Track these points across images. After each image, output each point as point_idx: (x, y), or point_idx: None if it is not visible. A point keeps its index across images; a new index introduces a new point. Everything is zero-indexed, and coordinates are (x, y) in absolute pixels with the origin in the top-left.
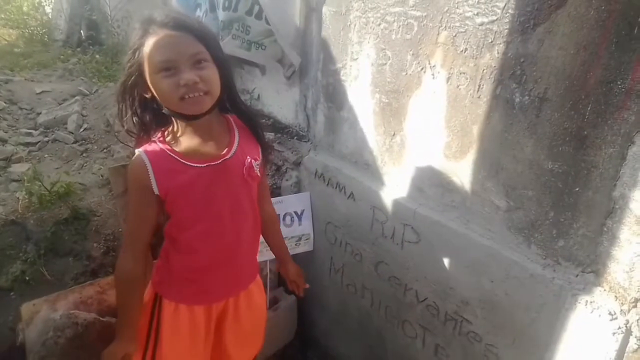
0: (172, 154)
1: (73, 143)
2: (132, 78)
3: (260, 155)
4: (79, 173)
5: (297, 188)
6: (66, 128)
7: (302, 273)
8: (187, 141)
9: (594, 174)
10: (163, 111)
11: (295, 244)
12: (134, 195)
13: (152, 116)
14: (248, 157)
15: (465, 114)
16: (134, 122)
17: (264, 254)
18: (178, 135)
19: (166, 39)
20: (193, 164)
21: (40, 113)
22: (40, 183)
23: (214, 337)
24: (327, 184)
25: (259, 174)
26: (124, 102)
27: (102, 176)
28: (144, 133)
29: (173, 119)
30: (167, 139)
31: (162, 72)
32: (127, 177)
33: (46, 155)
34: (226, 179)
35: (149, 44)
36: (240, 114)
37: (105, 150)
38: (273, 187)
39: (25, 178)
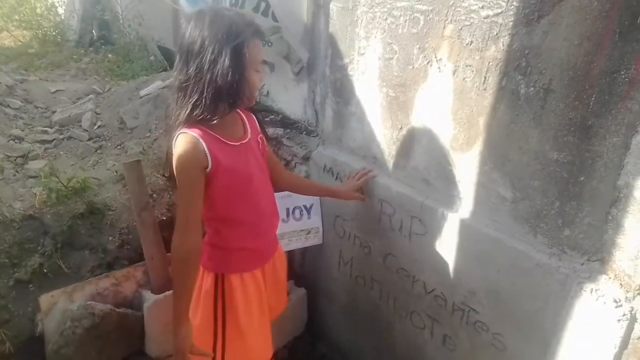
0: (215, 135)
1: (87, 140)
2: (228, 68)
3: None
4: (94, 169)
5: None
6: (80, 126)
7: (356, 189)
8: (220, 128)
9: (599, 164)
10: (231, 101)
11: (305, 238)
12: (190, 172)
13: (223, 103)
14: (258, 135)
15: (472, 106)
16: (199, 108)
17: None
18: (213, 123)
19: (261, 43)
20: (233, 143)
21: (55, 111)
22: (56, 179)
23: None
24: (336, 178)
25: (265, 146)
26: (201, 88)
27: (116, 172)
28: (210, 116)
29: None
30: (203, 126)
31: (258, 70)
32: (180, 158)
33: (62, 152)
34: (253, 155)
35: (254, 45)
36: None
37: (119, 147)
38: None
39: (42, 174)
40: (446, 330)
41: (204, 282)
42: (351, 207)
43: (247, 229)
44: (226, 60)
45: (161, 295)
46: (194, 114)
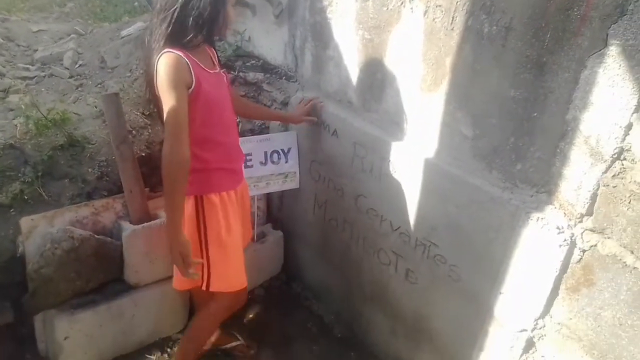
0: (195, 60)
1: (69, 78)
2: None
3: None
4: (74, 104)
5: (284, 127)
6: (62, 64)
7: (305, 114)
8: (196, 55)
9: (550, 99)
10: (209, 29)
11: (283, 181)
12: (177, 84)
13: (202, 31)
14: (222, 69)
15: (440, 47)
16: (180, 32)
17: (252, 190)
18: (191, 49)
19: None
20: (210, 70)
21: (37, 50)
22: (37, 110)
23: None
24: (311, 125)
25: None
26: (185, 12)
27: (96, 107)
28: (189, 40)
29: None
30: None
31: (234, 5)
32: (167, 72)
33: (43, 89)
34: (223, 84)
35: None
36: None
37: (99, 85)
38: (261, 126)
39: (23, 106)
40: (409, 265)
41: (186, 207)
42: (326, 151)
43: (224, 150)
44: None
45: (139, 226)
46: (176, 37)
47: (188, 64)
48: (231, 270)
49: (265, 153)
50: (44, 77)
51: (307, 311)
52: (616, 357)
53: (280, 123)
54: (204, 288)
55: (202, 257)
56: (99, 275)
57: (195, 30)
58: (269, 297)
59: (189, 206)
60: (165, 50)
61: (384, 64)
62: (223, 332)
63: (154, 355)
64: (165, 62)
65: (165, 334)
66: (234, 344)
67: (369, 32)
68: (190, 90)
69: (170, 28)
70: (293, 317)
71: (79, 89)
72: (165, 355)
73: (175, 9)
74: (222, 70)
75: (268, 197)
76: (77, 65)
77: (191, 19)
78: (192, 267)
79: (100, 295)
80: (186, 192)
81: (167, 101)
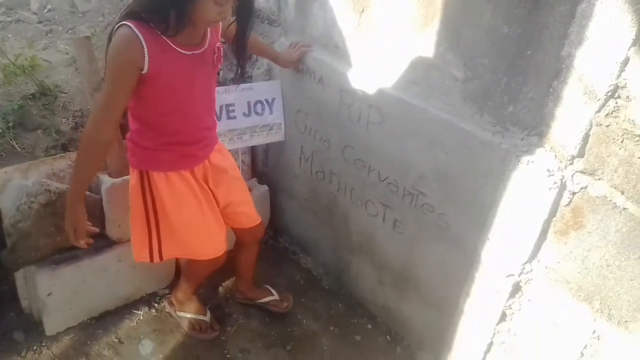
0: (165, 39)
1: (37, 23)
2: None
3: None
4: (44, 51)
5: (268, 76)
6: (29, 9)
7: (293, 59)
8: (178, 33)
9: (545, 35)
10: (176, 20)
11: (267, 133)
12: (120, 67)
13: (172, 16)
14: (217, 43)
15: None
16: (149, 8)
17: (236, 142)
18: (171, 27)
19: None
20: (184, 52)
21: None
22: (4, 56)
23: (212, 197)
24: (297, 71)
25: (221, 57)
26: None
27: (67, 54)
28: (156, 22)
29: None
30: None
31: (219, 3)
32: (114, 51)
33: (10, 35)
34: (204, 65)
35: None
36: None
37: (70, 31)
38: (243, 74)
39: None
40: (396, 215)
41: (131, 177)
42: (312, 99)
43: (174, 138)
44: None
45: (119, 179)
46: (142, 12)
47: (143, 44)
48: (191, 240)
49: (249, 103)
50: (10, 22)
51: (295, 265)
52: (602, 298)
53: (264, 70)
54: (156, 259)
55: (148, 229)
56: None
57: (163, 14)
58: None
59: (133, 177)
60: (126, 22)
61: (371, 3)
62: (257, 287)
63: (141, 310)
64: (115, 40)
65: (151, 290)
66: (268, 298)
67: None
68: (144, 72)
69: (138, 2)
70: (281, 271)
71: (49, 35)
72: (153, 310)
73: None
74: (217, 45)
75: (253, 150)
76: (45, 10)
77: (163, 2)
78: (83, 240)
79: (82, 251)
80: (131, 163)
81: (106, 80)
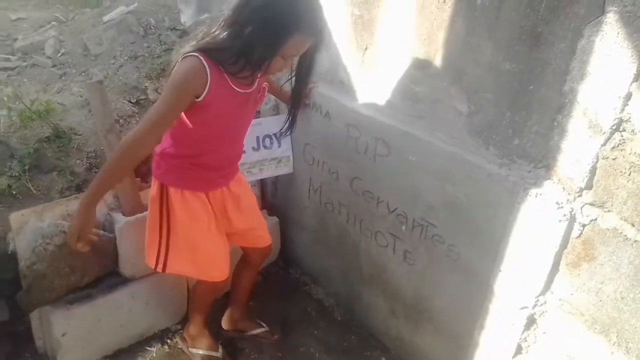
0: (225, 75)
1: (51, 67)
2: (267, 39)
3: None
4: (59, 95)
5: (276, 111)
6: (44, 53)
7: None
8: (240, 75)
9: (547, 71)
10: (249, 65)
11: (276, 166)
12: (181, 92)
13: (242, 61)
14: (263, 84)
15: (432, 21)
16: (223, 49)
17: (246, 176)
18: (236, 70)
19: (308, 44)
20: (238, 90)
21: (16, 39)
22: (20, 101)
23: (225, 222)
24: (304, 106)
25: (265, 96)
26: (237, 33)
27: (81, 97)
28: (226, 61)
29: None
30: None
31: (284, 57)
32: (179, 76)
33: (25, 80)
34: (249, 103)
35: (301, 41)
36: None
37: (83, 74)
38: None
39: (5, 98)
40: (407, 246)
41: (153, 187)
42: (319, 133)
43: (200, 159)
44: (272, 33)
45: (132, 217)
46: (215, 49)
47: (208, 77)
48: (195, 258)
49: (257, 138)
50: (26, 67)
51: (306, 296)
52: (619, 331)
53: (272, 106)
54: (160, 269)
55: (160, 238)
56: (94, 269)
57: (235, 57)
58: (267, 284)
59: (154, 188)
60: (196, 54)
61: (374, 42)
62: (247, 319)
63: (154, 347)
64: (184, 67)
65: (164, 326)
66: (258, 330)
67: (358, 8)
68: (198, 100)
69: (213, 40)
70: (293, 303)
71: (63, 78)
72: (166, 347)
73: (232, 25)
74: (263, 85)
75: (262, 183)
76: (59, 54)
77: (237, 45)
78: (82, 244)
79: (96, 290)
80: (154, 174)
81: (162, 99)
